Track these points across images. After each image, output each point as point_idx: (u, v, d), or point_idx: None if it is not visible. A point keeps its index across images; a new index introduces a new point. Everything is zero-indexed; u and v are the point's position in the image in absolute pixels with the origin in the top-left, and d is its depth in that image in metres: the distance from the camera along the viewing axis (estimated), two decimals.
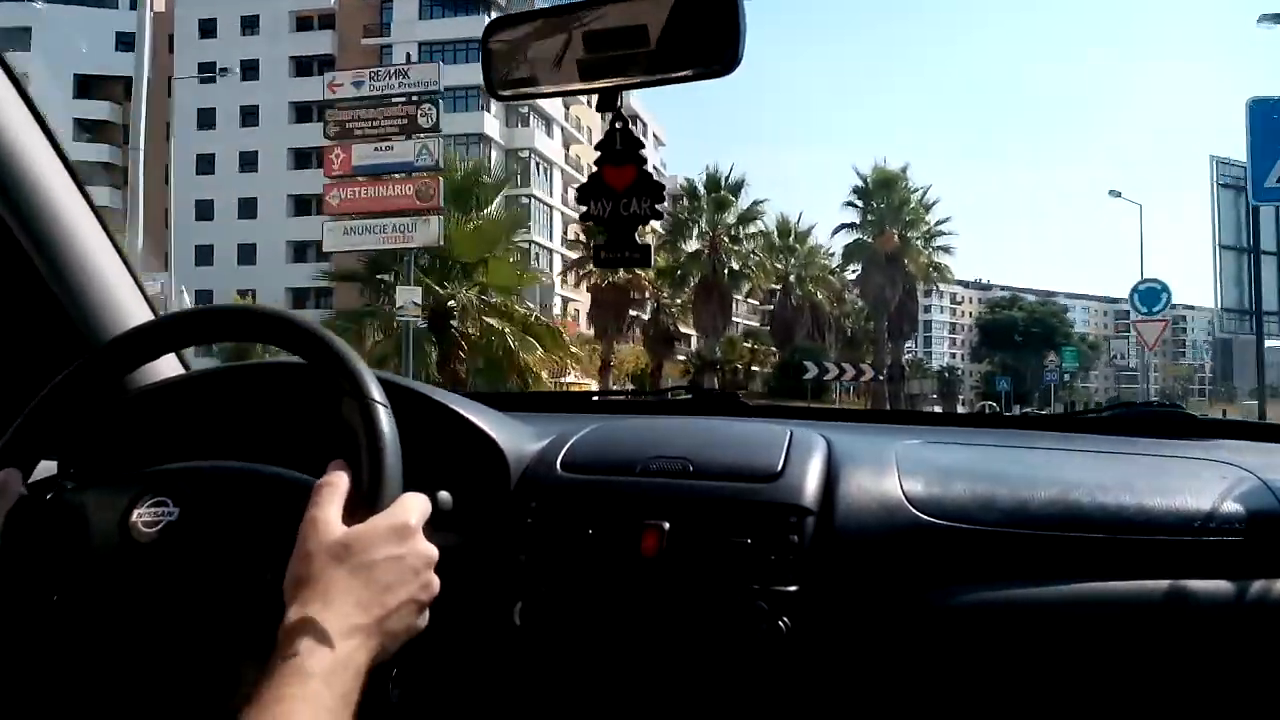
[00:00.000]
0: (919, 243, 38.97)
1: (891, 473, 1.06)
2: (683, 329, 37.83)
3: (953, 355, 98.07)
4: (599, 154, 1.09)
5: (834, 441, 1.13)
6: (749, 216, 36.37)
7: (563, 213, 42.57)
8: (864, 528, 1.01)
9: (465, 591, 0.96)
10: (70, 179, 1.12)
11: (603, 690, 1.01)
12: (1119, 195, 32.04)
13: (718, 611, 0.97)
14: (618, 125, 1.06)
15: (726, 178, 36.30)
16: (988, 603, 0.97)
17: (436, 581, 0.79)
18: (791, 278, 40.83)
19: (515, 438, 1.13)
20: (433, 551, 0.79)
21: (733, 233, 35.73)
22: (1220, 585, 0.97)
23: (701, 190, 35.65)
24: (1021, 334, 75.91)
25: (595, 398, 1.65)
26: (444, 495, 0.84)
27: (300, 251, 39.32)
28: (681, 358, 38.17)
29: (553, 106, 43.38)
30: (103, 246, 1.16)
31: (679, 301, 35.85)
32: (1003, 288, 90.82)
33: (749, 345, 46.19)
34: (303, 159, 40.97)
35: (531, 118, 45.34)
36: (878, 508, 1.02)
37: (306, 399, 0.99)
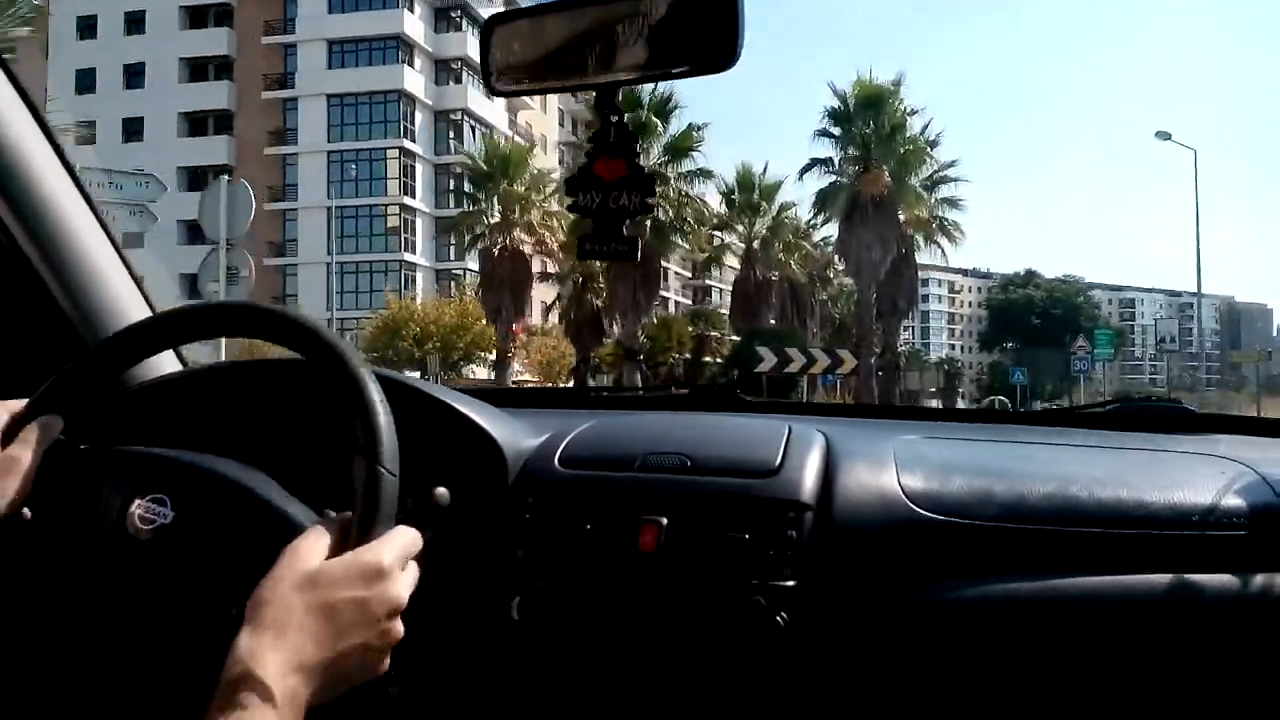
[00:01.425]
0: (918, 188, 32.77)
1: (890, 468, 1.31)
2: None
3: (952, 346, 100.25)
4: (592, 145, 1.31)
5: (832, 436, 1.38)
6: (682, 147, 31.08)
7: None
8: (862, 523, 1.24)
9: (463, 587, 1.20)
10: (70, 178, 1.34)
11: (601, 686, 1.24)
12: (1168, 138, 31.52)
13: (715, 607, 1.18)
14: (613, 119, 1.28)
15: (652, 93, 29.62)
16: (986, 598, 1.19)
17: (399, 629, 0.92)
18: (755, 243, 36.01)
19: (513, 433, 1.37)
20: (401, 597, 0.92)
21: (659, 170, 29.89)
22: (1220, 580, 1.17)
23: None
24: (1040, 316, 75.39)
25: (594, 393, 1.90)
26: (441, 491, 1.04)
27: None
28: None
29: None
30: (101, 245, 1.39)
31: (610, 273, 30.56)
32: (1004, 275, 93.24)
33: (693, 330, 43.29)
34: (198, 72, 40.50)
35: (465, 74, 44.16)
36: (876, 503, 1.26)
37: (309, 397, 1.20)
